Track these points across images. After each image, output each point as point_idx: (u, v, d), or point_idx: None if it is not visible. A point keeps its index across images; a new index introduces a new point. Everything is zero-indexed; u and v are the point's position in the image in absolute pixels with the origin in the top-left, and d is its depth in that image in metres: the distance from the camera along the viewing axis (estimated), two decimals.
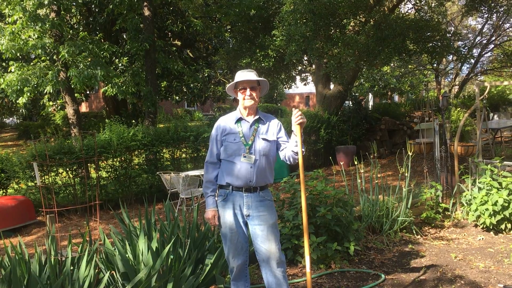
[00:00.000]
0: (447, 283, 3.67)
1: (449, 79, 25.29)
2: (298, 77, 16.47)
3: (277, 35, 10.38)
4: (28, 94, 9.63)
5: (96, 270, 3.25)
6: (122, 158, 8.73)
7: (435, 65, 18.87)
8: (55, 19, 9.63)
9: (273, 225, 2.87)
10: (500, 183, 4.95)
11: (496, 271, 3.90)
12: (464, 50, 12.39)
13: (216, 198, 2.95)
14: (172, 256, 3.32)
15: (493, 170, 5.17)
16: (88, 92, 16.87)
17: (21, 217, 7.13)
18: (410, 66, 19.34)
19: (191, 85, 16.68)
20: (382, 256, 4.39)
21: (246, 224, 2.92)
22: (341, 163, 8.47)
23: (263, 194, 2.90)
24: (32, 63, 10.21)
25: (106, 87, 10.96)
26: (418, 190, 5.84)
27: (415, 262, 4.24)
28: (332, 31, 9.43)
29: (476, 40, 19.65)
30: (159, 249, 3.30)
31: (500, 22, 18.32)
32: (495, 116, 13.47)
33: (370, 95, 20.24)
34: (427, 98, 13.41)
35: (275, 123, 2.98)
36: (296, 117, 2.79)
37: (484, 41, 19.11)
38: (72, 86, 9.85)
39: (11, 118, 25.14)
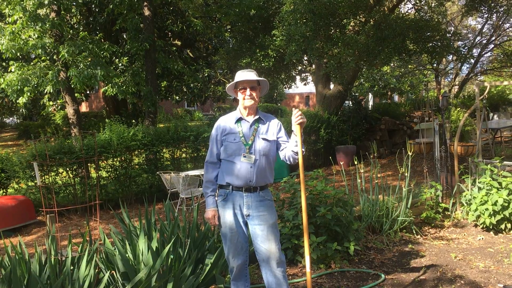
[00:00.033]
0: (447, 283, 3.67)
1: (449, 79, 25.31)
2: (298, 77, 16.48)
3: (277, 35, 10.39)
4: (28, 94, 9.63)
5: (96, 270, 3.26)
6: (122, 158, 8.73)
7: (435, 65, 18.88)
8: (55, 19, 9.63)
9: (273, 225, 2.87)
10: (500, 183, 4.96)
11: (496, 271, 3.91)
12: (464, 50, 12.39)
13: (216, 198, 2.95)
14: (172, 256, 3.32)
15: (493, 170, 5.17)
16: (88, 92, 16.87)
17: (21, 216, 7.13)
18: (410, 66, 19.35)
19: (191, 85, 16.68)
20: (382, 256, 4.40)
21: (246, 224, 2.92)
22: (341, 163, 8.48)
23: (263, 194, 2.90)
24: (32, 63, 10.21)
25: (106, 87, 10.96)
26: (418, 190, 5.84)
27: (415, 262, 4.24)
28: (332, 31, 9.43)
29: (476, 40, 19.67)
30: (159, 249, 3.30)
31: (500, 22, 18.33)
32: (495, 116, 13.47)
33: (370, 95, 20.24)
34: (427, 98, 13.40)
35: (275, 123, 2.98)
36: (296, 117, 2.79)
37: (484, 41, 19.13)
38: (72, 86, 9.86)
39: (11, 118, 25.15)
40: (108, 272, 3.17)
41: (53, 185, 7.98)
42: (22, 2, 9.13)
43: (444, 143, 5.95)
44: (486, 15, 16.43)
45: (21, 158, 8.07)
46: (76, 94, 11.34)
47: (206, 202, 2.94)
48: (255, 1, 11.85)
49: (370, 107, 15.40)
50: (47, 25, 9.27)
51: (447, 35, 10.99)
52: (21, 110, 18.82)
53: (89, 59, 9.74)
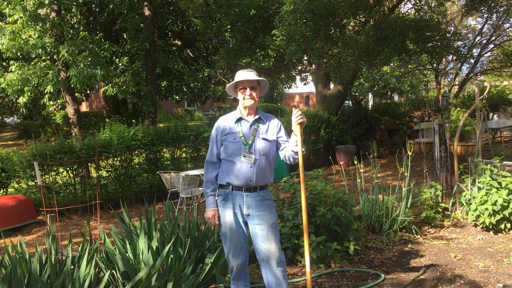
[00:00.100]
0: (446, 282, 3.68)
1: (448, 79, 25.32)
2: (298, 77, 16.49)
3: (277, 35, 10.39)
4: (29, 93, 9.65)
5: (97, 269, 3.26)
6: (123, 157, 8.74)
7: (434, 65, 18.89)
8: (56, 18, 9.64)
9: (273, 225, 2.88)
10: (499, 183, 4.96)
11: (496, 270, 3.91)
12: (464, 50, 12.39)
13: (216, 198, 2.96)
14: (172, 256, 3.33)
15: (493, 170, 5.18)
16: (88, 92, 16.88)
17: (22, 216, 7.14)
18: (410, 66, 19.35)
19: (191, 84, 16.69)
20: (381, 255, 4.40)
21: (246, 224, 2.93)
22: (341, 163, 8.48)
23: (263, 193, 2.91)
24: (32, 63, 10.22)
25: (106, 87, 10.98)
26: (418, 189, 5.85)
27: (414, 261, 4.25)
28: (332, 31, 9.43)
29: (476, 40, 19.67)
30: (159, 249, 3.31)
31: (500, 22, 18.34)
32: (495, 116, 13.47)
33: (370, 95, 20.24)
34: (427, 98, 13.42)
35: (275, 123, 2.98)
36: (296, 116, 2.80)
37: (484, 41, 19.13)
38: (72, 86, 9.86)
39: (11, 118, 25.14)
40: (108, 271, 3.18)
41: (54, 185, 7.99)
42: (23, 2, 9.14)
43: (444, 143, 5.96)
44: (486, 15, 16.45)
45: (21, 157, 8.08)
46: (76, 94, 11.35)
47: (206, 202, 2.95)
48: (255, 1, 11.86)
49: (370, 107, 15.40)
50: (48, 25, 9.27)
51: (447, 35, 10.99)
52: (21, 110, 18.83)
53: (89, 59, 9.75)
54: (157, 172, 8.43)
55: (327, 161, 10.62)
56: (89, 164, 8.86)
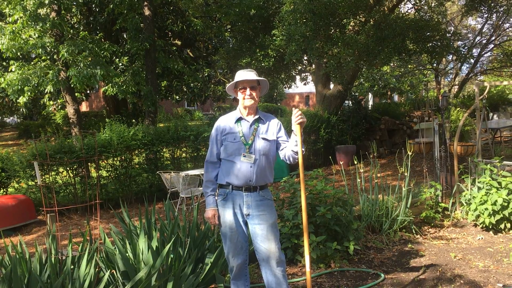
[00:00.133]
0: (446, 282, 3.68)
1: (448, 79, 25.33)
2: (298, 77, 16.49)
3: (277, 34, 10.39)
4: (29, 93, 9.65)
5: (97, 269, 3.26)
6: (123, 157, 8.74)
7: (434, 65, 18.89)
8: (56, 18, 9.64)
9: (272, 225, 2.88)
10: (499, 183, 4.97)
11: (496, 270, 3.91)
12: (463, 50, 12.38)
13: (216, 198, 2.96)
14: (172, 255, 3.33)
15: (493, 169, 5.18)
16: (88, 92, 16.88)
17: (22, 216, 7.14)
18: (410, 66, 19.35)
19: (191, 84, 16.69)
20: (381, 255, 4.41)
21: (246, 224, 2.93)
22: (341, 163, 8.48)
23: (263, 193, 2.91)
24: (32, 63, 10.22)
25: (106, 87, 10.97)
26: (418, 189, 5.85)
27: (414, 261, 4.25)
28: (332, 31, 9.43)
29: (476, 40, 19.67)
30: (159, 248, 3.31)
31: (500, 22, 18.34)
32: (495, 116, 13.47)
33: (370, 95, 20.24)
34: (427, 98, 13.43)
35: (275, 123, 2.99)
36: (296, 116, 2.80)
37: (484, 41, 19.13)
38: (72, 86, 9.87)
39: (11, 118, 25.15)
40: (108, 271, 3.18)
41: (54, 185, 7.99)
42: (23, 2, 9.14)
43: (443, 143, 5.96)
44: (486, 15, 16.44)
45: (21, 157, 8.08)
46: (76, 94, 11.35)
47: (206, 202, 2.95)
48: (255, 1, 11.86)
49: (370, 106, 15.39)
50: (48, 25, 9.28)
51: (447, 35, 10.99)
52: (21, 110, 18.82)
53: (89, 59, 9.76)
54: (157, 172, 8.43)
55: (327, 161, 10.62)
56: (89, 164, 8.86)
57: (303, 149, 2.83)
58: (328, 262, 4.13)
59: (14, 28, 9.20)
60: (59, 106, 16.42)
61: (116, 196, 8.43)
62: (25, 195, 7.62)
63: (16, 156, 8.21)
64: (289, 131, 2.97)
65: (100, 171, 8.71)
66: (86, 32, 10.94)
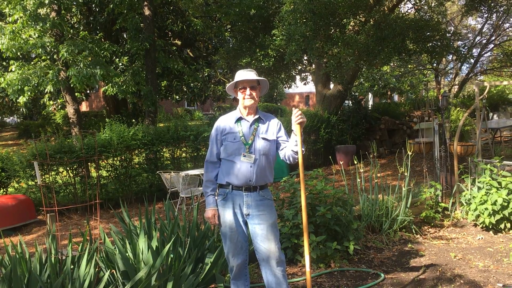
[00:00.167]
0: (446, 282, 3.68)
1: (448, 79, 25.33)
2: (298, 77, 16.49)
3: (277, 34, 10.39)
4: (29, 93, 9.64)
5: (97, 269, 3.26)
6: (122, 157, 8.74)
7: (434, 64, 18.89)
8: (56, 18, 9.64)
9: (272, 225, 2.88)
10: (499, 183, 4.97)
11: (496, 270, 3.91)
12: (463, 50, 12.39)
13: (216, 197, 2.96)
14: (172, 255, 3.33)
15: (493, 169, 5.18)
16: (88, 92, 16.88)
17: (22, 216, 7.14)
18: (409, 66, 19.35)
19: (191, 84, 16.69)
20: (381, 255, 4.41)
21: (246, 223, 2.93)
22: (341, 163, 8.48)
23: (263, 193, 2.91)
24: (32, 62, 10.22)
25: (106, 87, 10.98)
26: (418, 189, 5.85)
27: (414, 261, 4.25)
28: (332, 30, 9.43)
29: (476, 40, 19.67)
30: (159, 248, 3.31)
31: (500, 22, 18.35)
32: (495, 116, 13.47)
33: (370, 95, 20.24)
34: (427, 97, 13.42)
35: (275, 123, 2.99)
36: (296, 116, 2.80)
37: (484, 41, 19.13)
38: (72, 86, 9.87)
39: (11, 117, 25.15)
40: (108, 271, 3.18)
41: (54, 184, 8.00)
42: (23, 2, 9.14)
43: (443, 143, 5.96)
44: (486, 15, 16.44)
45: (21, 157, 8.08)
46: (76, 94, 11.35)
47: (206, 202, 2.95)
48: (255, 1, 11.86)
49: (370, 106, 15.38)
50: (48, 25, 9.28)
51: (447, 35, 10.99)
52: (21, 110, 18.82)
53: (89, 59, 9.76)
54: (157, 172, 8.43)
55: (327, 161, 10.62)
56: (89, 163, 8.86)
57: (303, 149, 2.83)
58: (328, 262, 4.13)
59: (14, 28, 9.20)
60: (59, 106, 16.42)
61: (116, 196, 8.43)
62: (25, 195, 7.62)
63: (16, 156, 8.21)
64: (289, 131, 2.97)
65: (100, 171, 8.71)
66: (86, 32, 10.94)
